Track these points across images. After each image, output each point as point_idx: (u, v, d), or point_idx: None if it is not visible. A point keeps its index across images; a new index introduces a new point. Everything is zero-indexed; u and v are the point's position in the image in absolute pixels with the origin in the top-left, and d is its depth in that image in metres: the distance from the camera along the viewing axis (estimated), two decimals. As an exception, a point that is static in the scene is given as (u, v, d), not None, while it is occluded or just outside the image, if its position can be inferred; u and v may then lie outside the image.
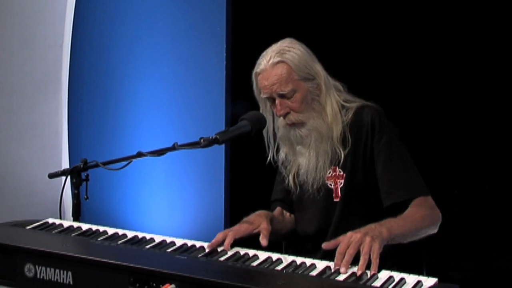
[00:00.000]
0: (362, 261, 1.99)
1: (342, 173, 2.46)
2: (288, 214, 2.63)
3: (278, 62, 2.41)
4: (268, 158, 2.60)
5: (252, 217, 2.37)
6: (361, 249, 2.03)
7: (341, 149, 2.44)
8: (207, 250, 2.13)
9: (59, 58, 4.18)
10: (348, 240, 2.07)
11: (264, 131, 2.54)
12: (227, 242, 2.16)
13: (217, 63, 3.83)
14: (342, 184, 2.46)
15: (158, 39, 3.98)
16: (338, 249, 2.04)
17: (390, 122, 2.49)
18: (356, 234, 2.09)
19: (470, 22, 3.45)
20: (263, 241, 2.18)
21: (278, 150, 2.58)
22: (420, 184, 2.41)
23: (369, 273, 1.94)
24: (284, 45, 2.46)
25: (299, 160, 2.51)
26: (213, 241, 2.16)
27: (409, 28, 3.54)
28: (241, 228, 2.26)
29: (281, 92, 2.41)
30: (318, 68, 2.47)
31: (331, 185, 2.47)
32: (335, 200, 2.47)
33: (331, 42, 2.57)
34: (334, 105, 2.46)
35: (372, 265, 1.98)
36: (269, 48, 2.49)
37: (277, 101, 2.43)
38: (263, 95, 2.46)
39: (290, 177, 2.55)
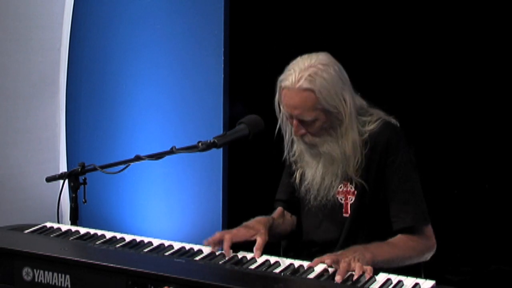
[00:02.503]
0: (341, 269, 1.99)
1: (353, 189, 2.43)
2: (289, 215, 2.60)
3: (306, 90, 2.30)
4: (285, 154, 2.55)
5: (252, 222, 2.36)
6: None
7: (354, 171, 2.41)
8: (204, 245, 2.13)
9: (57, 62, 4.17)
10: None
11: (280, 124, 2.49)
12: (226, 246, 2.16)
13: (215, 66, 3.82)
14: (352, 200, 2.43)
15: (156, 42, 3.98)
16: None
17: (406, 144, 2.45)
18: (344, 260, 2.05)
19: (473, 27, 3.45)
20: (256, 253, 2.17)
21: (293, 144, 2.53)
22: (426, 212, 2.41)
23: (366, 276, 1.95)
24: (318, 64, 2.34)
25: (305, 169, 2.48)
26: (210, 238, 2.18)
27: (409, 29, 3.53)
28: (239, 233, 2.26)
29: (301, 118, 2.35)
30: (346, 96, 2.36)
31: (341, 199, 2.45)
32: (344, 215, 2.45)
33: (330, 47, 2.57)
34: (355, 136, 2.39)
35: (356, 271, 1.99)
36: (301, 59, 2.38)
37: (295, 122, 2.38)
38: (283, 109, 2.41)
39: (298, 178, 2.52)
